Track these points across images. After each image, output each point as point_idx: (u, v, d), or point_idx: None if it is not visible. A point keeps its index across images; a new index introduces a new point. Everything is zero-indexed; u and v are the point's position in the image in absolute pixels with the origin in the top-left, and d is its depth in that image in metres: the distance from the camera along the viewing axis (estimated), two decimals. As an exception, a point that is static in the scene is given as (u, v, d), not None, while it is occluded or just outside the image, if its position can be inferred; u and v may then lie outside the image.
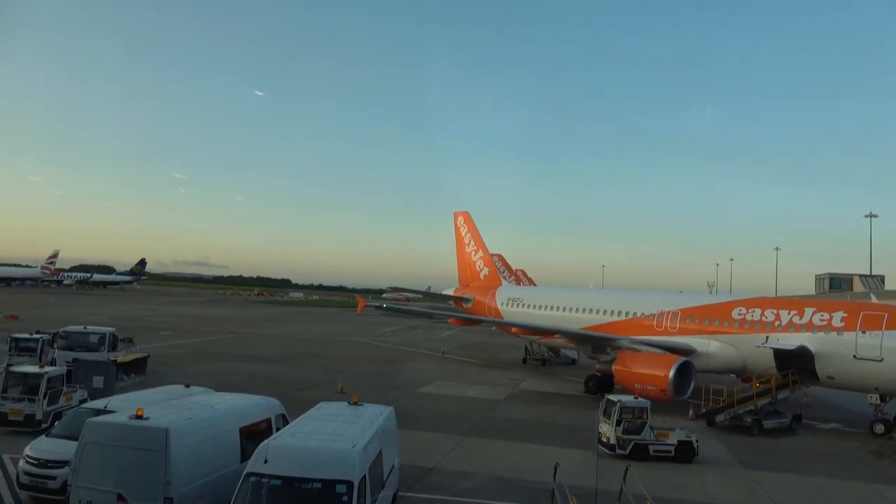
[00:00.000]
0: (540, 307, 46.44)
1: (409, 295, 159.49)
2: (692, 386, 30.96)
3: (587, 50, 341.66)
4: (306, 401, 19.58)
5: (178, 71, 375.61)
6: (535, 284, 66.77)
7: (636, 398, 22.82)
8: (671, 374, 30.09)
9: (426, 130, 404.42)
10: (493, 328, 60.92)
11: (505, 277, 57.46)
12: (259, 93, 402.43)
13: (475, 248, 58.30)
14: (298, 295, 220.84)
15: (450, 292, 58.21)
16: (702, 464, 22.01)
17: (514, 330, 46.60)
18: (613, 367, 33.39)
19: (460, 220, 59.81)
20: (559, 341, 43.62)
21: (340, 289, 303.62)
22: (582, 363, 47.05)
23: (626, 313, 38.68)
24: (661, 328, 35.99)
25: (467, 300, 54.63)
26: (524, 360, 50.35)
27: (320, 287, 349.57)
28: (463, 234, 59.42)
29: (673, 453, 21.84)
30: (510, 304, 49.70)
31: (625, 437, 21.79)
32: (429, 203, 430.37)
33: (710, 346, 33.30)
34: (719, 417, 28.65)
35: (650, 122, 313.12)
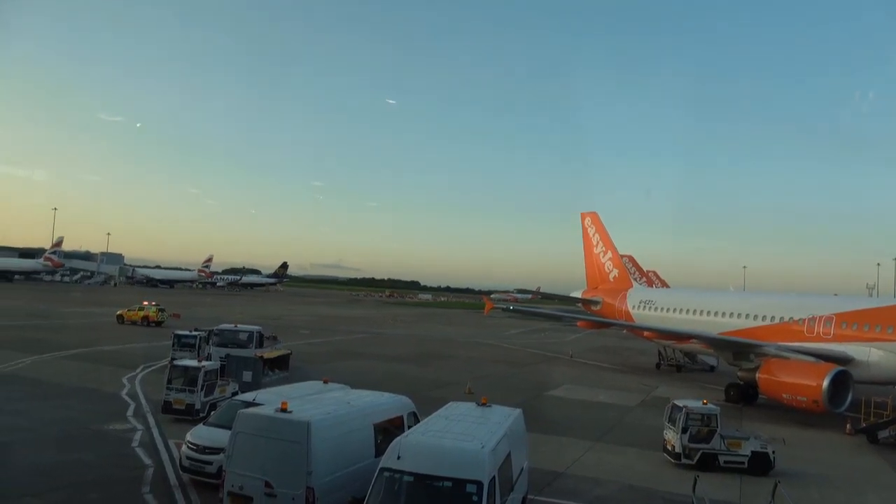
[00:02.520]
0: (674, 310, 44.31)
1: (518, 296, 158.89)
2: (849, 398, 28.24)
3: (719, 48, 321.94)
4: (436, 400, 19.97)
5: (318, 82, 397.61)
6: (668, 287, 63.85)
7: (705, 404, 21.07)
8: (825, 384, 27.57)
9: (552, 131, 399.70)
10: (624, 332, 58.99)
11: (636, 279, 55.40)
12: (391, 101, 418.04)
13: (604, 249, 56.71)
14: (427, 296, 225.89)
15: (577, 294, 57.00)
16: (859, 482, 19.96)
17: (646, 334, 44.81)
18: (758, 376, 31.14)
19: (588, 220, 58.42)
20: (696, 346, 41.39)
21: (468, 290, 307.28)
22: (722, 370, 44.38)
23: (772, 318, 35.92)
24: (812, 334, 33.07)
25: (596, 302, 53.26)
26: (658, 366, 48.28)
27: (448, 289, 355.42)
28: (591, 235, 58.01)
29: (746, 465, 20.21)
30: (642, 306, 47.85)
31: (691, 445, 20.47)
32: (556, 204, 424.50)
33: (870, 354, 30.14)
34: (882, 434, 25.82)
35: (796, 116, 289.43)
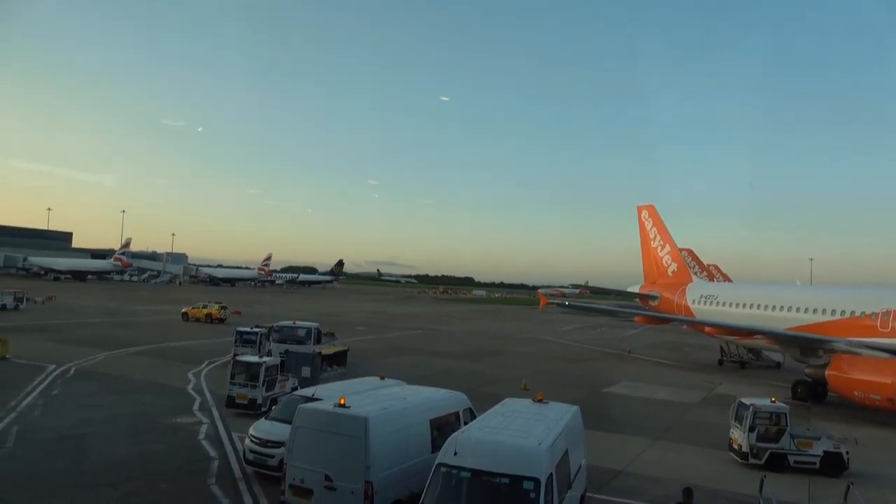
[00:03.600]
0: (737, 305, 42.93)
1: (567, 290, 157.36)
2: (929, 397, 26.72)
3: (782, 36, 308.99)
4: (492, 396, 19.94)
5: (373, 80, 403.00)
6: (730, 281, 61.84)
7: (773, 402, 20.29)
8: (901, 381, 26.19)
9: (607, 124, 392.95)
10: (684, 327, 57.47)
11: (696, 273, 53.88)
12: (445, 98, 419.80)
13: (661, 242, 55.37)
14: (481, 293, 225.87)
15: (635, 289, 55.90)
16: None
17: (707, 329, 43.56)
18: (827, 373, 29.89)
19: (645, 213, 57.14)
20: (761, 342, 40.02)
21: (521, 286, 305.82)
22: (788, 367, 42.76)
23: (842, 312, 34.35)
24: (886, 329, 31.45)
25: (654, 297, 52.09)
26: (720, 362, 46.89)
27: (502, 285, 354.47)
28: (648, 229, 56.72)
29: (817, 465, 19.49)
30: (703, 301, 46.54)
31: (759, 444, 19.82)
32: (612, 198, 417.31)
33: (952, 350, 28.49)
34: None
35: (863, 105, 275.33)
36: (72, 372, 29.71)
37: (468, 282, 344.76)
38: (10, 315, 55.00)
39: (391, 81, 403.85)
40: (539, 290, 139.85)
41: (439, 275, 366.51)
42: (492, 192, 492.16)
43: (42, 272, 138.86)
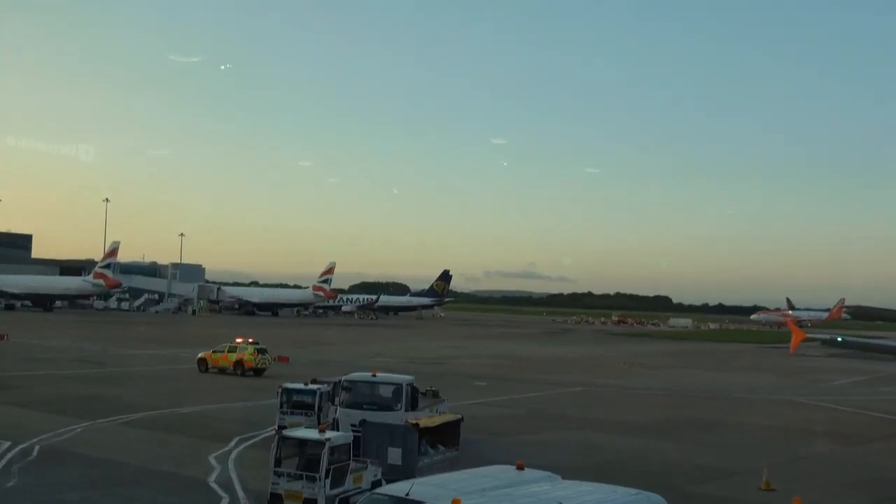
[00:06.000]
0: None
1: (804, 315, 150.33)
2: None
3: None
4: (708, 499, 19.35)
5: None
6: None
7: None
8: None
9: None
10: None
11: None
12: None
13: None
14: (683, 322, 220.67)
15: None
16: None
17: None
18: None
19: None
20: None
21: (752, 309, 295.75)
22: None
23: None
24: None
25: None
26: None
27: (718, 308, 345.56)
28: None
29: None
30: None
31: None
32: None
33: None
34: None
35: None
36: (35, 453, 31.32)
37: (661, 303, 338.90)
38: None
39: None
40: (752, 317, 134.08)
41: (611, 292, 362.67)
42: (706, 159, 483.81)
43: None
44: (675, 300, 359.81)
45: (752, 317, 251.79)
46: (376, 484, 23.64)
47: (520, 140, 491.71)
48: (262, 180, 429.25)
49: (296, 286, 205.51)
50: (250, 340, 64.58)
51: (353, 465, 24.73)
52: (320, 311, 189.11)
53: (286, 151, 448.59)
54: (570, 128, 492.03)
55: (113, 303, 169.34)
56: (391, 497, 16.75)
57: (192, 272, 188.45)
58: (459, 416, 35.35)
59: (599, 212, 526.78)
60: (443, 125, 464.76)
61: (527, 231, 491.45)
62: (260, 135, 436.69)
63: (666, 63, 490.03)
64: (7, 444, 32.38)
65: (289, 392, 34.96)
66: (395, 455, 27.84)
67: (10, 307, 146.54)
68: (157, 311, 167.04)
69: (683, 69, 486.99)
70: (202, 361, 62.69)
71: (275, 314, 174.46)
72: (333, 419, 32.98)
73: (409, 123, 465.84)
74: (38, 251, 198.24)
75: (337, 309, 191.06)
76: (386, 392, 34.73)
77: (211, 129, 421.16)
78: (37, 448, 32.12)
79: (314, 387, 35.40)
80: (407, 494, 16.54)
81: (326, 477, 23.68)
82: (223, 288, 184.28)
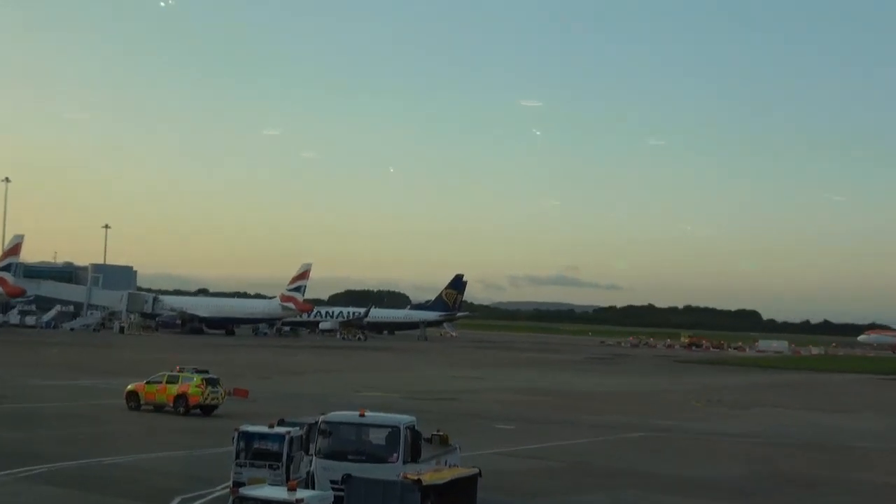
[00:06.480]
0: None
1: None
2: None
3: None
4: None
5: None
6: None
7: None
8: None
9: None
10: None
11: None
12: None
13: None
14: (776, 345, 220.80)
15: None
16: None
17: None
18: None
19: None
20: None
21: (860, 329, 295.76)
22: None
23: None
24: None
25: None
26: None
27: (820, 326, 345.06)
28: None
29: None
30: None
31: None
32: None
33: None
34: None
35: None
36: None
37: (746, 321, 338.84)
38: None
39: None
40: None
41: (679, 306, 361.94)
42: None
43: None
44: (764, 316, 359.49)
45: (861, 338, 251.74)
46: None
47: (558, 101, 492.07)
48: (216, 156, 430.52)
49: (258, 296, 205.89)
50: (196, 368, 64.56)
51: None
52: (286, 329, 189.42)
53: (247, 118, 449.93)
54: (625, 84, 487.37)
55: (14, 316, 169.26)
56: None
57: (119, 276, 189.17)
58: (476, 471, 35.25)
59: (664, 198, 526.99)
60: (454, 82, 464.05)
61: (566, 224, 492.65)
62: (213, 95, 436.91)
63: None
64: None
65: (248, 437, 34.62)
66: (390, 522, 27.74)
67: None
68: (72, 329, 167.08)
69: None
70: (133, 396, 62.55)
71: (230, 333, 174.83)
72: (307, 473, 32.85)
73: (409, 80, 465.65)
74: None
75: (313, 326, 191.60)
76: (378, 438, 34.50)
77: (146, 87, 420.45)
78: None
79: (282, 430, 35.04)
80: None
81: (300, 555, 23.60)
82: (161, 298, 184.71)
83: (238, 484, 30.53)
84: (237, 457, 34.28)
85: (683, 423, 68.90)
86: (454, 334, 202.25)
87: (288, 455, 33.72)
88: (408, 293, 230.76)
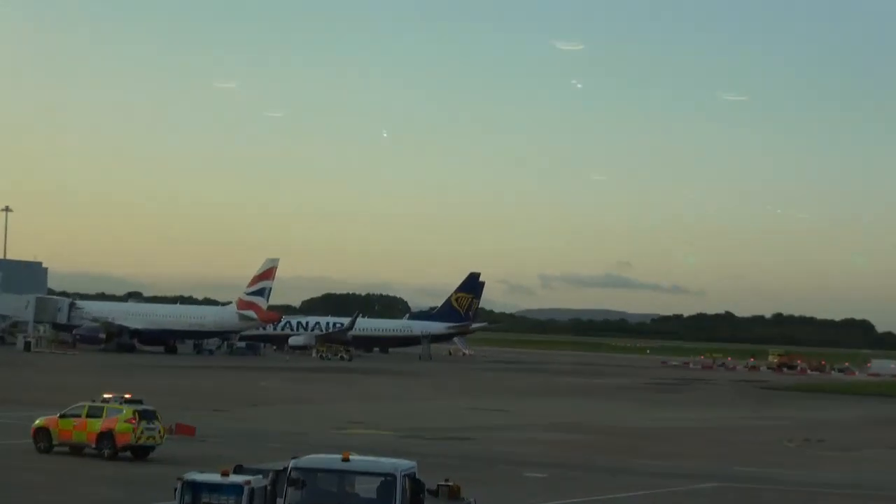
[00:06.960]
0: None
1: None
2: None
3: None
4: None
5: None
6: None
7: None
8: None
9: None
10: None
11: None
12: None
13: None
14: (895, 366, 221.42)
15: None
16: None
17: None
18: None
19: None
20: None
21: None
22: None
23: None
24: None
25: None
26: None
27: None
28: None
29: None
30: None
31: None
32: None
33: None
34: None
35: None
36: None
37: (854, 334, 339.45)
38: None
39: None
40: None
41: (766, 314, 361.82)
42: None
43: None
44: (879, 328, 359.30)
45: None
46: None
47: (602, 45, 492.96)
48: (154, 117, 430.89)
49: (208, 301, 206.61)
50: (127, 397, 64.37)
51: None
52: (241, 345, 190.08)
53: (194, 65, 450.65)
54: (691, 21, 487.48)
55: None
56: None
57: (25, 275, 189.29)
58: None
59: (744, 173, 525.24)
60: (468, 18, 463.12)
61: (615, 207, 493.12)
62: (147, 38, 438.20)
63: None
64: None
65: (195, 488, 34.68)
66: None
67: None
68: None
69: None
70: (42, 434, 62.64)
71: (171, 350, 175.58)
72: (275, 538, 33.04)
73: (405, 13, 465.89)
74: None
75: (281, 341, 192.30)
76: (367, 489, 34.61)
77: (58, 21, 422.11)
78: None
79: (239, 479, 35.21)
80: None
81: None
82: (80, 304, 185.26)
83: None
84: (182, 513, 34.52)
85: (773, 471, 68.96)
86: (467, 352, 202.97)
87: (248, 510, 33.95)
88: (405, 298, 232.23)
